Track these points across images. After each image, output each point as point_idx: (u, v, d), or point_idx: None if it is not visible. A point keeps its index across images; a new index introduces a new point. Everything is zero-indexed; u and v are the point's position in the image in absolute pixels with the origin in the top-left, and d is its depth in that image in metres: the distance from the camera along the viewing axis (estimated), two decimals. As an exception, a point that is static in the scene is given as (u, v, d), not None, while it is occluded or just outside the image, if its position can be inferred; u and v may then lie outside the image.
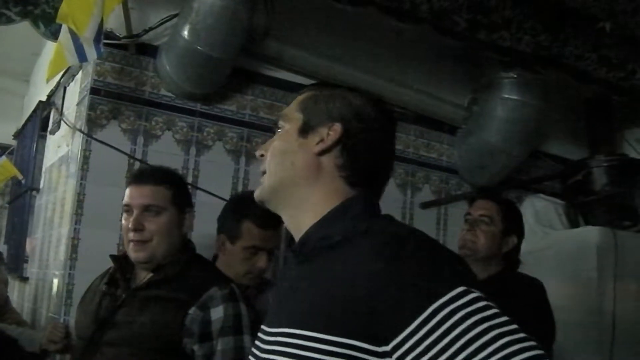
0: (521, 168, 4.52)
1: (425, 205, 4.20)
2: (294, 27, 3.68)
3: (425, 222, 4.11)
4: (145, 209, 2.35)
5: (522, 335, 1.05)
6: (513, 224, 2.98)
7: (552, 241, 4.18)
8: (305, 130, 1.41)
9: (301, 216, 1.38)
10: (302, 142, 1.40)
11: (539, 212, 4.38)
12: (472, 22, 3.46)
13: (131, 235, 2.33)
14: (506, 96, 4.08)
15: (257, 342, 1.35)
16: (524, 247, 4.25)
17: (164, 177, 2.47)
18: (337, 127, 1.38)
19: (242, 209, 2.70)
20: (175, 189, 2.45)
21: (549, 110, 4.23)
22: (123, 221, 2.41)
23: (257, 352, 1.31)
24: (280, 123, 1.48)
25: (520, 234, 3.02)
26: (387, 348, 1.08)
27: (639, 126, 4.94)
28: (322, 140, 1.38)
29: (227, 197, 3.51)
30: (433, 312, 1.05)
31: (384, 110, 1.47)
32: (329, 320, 1.15)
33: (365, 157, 1.40)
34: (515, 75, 4.06)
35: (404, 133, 4.20)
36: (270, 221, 2.58)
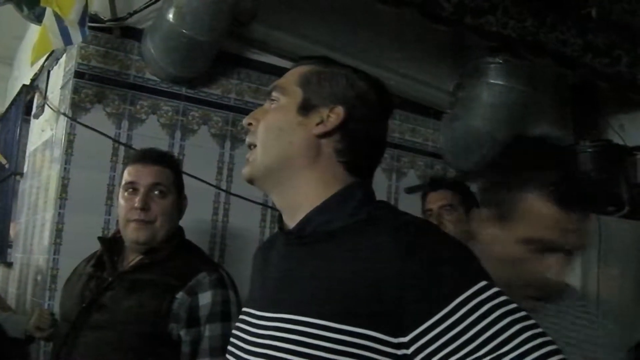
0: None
1: (411, 190, 4.19)
2: (281, 10, 3.66)
3: (410, 207, 4.09)
4: (152, 188, 2.34)
5: (541, 329, 1.06)
6: (471, 202, 3.05)
7: (536, 226, 4.19)
8: (305, 108, 1.35)
9: (296, 199, 1.34)
10: (302, 120, 1.34)
11: (523, 197, 4.39)
12: (458, 6, 3.46)
13: (136, 214, 2.31)
14: (492, 81, 4.07)
15: (243, 326, 1.32)
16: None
17: (170, 161, 2.48)
18: (340, 110, 1.33)
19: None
20: (177, 174, 2.46)
21: (534, 95, 4.23)
22: (122, 201, 2.38)
23: (246, 336, 1.28)
24: (275, 95, 1.40)
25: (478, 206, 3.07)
26: (405, 339, 1.08)
27: (623, 112, 4.95)
28: (322, 122, 1.33)
29: (213, 182, 3.51)
30: (458, 305, 1.06)
31: (385, 95, 1.42)
32: (341, 309, 1.13)
33: (364, 143, 1.36)
34: (501, 61, 4.05)
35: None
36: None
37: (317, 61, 1.43)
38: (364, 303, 1.11)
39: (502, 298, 1.08)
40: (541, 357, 1.02)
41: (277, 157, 1.33)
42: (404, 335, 1.08)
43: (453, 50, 4.32)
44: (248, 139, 1.40)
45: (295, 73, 1.41)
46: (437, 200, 3.02)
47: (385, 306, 1.09)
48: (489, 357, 1.02)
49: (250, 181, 1.39)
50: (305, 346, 1.12)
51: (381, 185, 4.12)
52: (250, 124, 1.40)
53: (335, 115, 1.33)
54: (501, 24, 3.56)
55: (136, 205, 2.30)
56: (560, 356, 1.04)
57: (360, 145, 1.35)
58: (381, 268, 1.12)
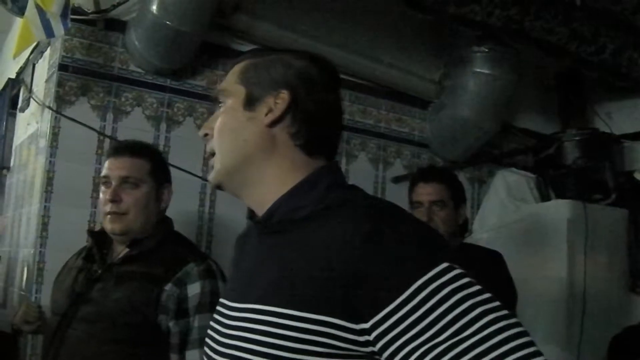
0: (493, 142, 4.54)
1: (397, 180, 4.20)
2: (264, 1, 3.66)
3: (396, 197, 4.09)
4: (123, 180, 2.34)
5: (505, 312, 1.03)
6: (460, 195, 2.98)
7: (523, 215, 4.21)
8: (250, 102, 1.33)
9: (262, 192, 1.32)
10: (250, 115, 1.32)
11: (510, 185, 4.41)
12: (442, -5, 3.46)
13: (108, 207, 2.32)
14: (478, 70, 4.08)
15: (217, 317, 1.32)
16: (496, 221, 4.30)
17: (143, 150, 2.47)
18: (284, 94, 1.31)
19: None
20: (154, 163, 2.45)
21: (520, 84, 4.25)
22: (101, 194, 2.40)
23: (219, 327, 1.27)
24: (221, 99, 1.39)
25: (465, 198, 3.04)
26: (366, 325, 1.06)
27: (609, 100, 4.97)
28: (270, 111, 1.31)
29: (199, 173, 3.50)
30: (417, 289, 1.03)
31: (327, 69, 1.39)
32: (302, 297, 1.11)
33: (316, 121, 1.33)
34: (486, 50, 4.06)
35: (375, 107, 4.21)
36: None
37: (252, 54, 1.43)
38: (325, 290, 1.10)
39: (463, 280, 1.05)
40: (504, 341, 0.99)
41: (235, 159, 1.33)
42: (365, 322, 1.06)
43: (439, 40, 4.33)
44: (207, 148, 1.40)
45: (234, 72, 1.40)
46: (427, 193, 2.89)
47: (344, 293, 1.08)
48: (450, 342, 0.99)
49: (218, 187, 1.39)
50: (270, 336, 1.11)
51: (368, 175, 4.13)
52: (206, 134, 1.40)
53: (281, 100, 1.31)
54: (485, 12, 3.55)
55: (107, 197, 2.32)
56: (527, 338, 1.01)
57: (312, 124, 1.33)
58: (340, 254, 1.10)
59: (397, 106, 4.32)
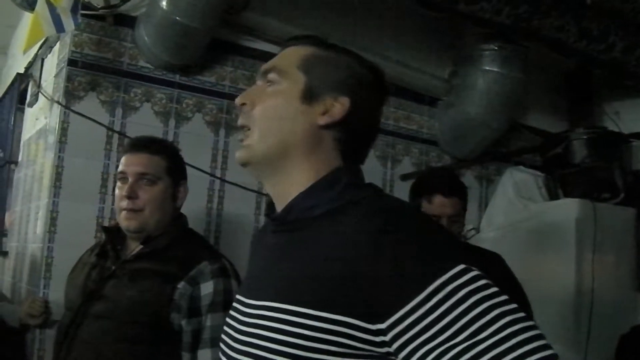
0: (501, 140, 4.53)
1: (406, 177, 4.19)
2: (273, -2, 3.66)
3: (405, 194, 4.08)
4: (140, 177, 2.33)
5: (522, 314, 1.02)
6: (466, 204, 2.93)
7: (531, 213, 4.20)
8: (309, 96, 1.29)
9: (288, 184, 1.30)
10: (305, 109, 1.29)
11: (518, 184, 4.40)
12: (452, -7, 3.45)
13: (124, 203, 2.31)
14: (487, 68, 4.08)
15: (233, 313, 1.31)
16: (503, 219, 4.28)
17: (161, 148, 2.46)
18: (345, 101, 1.28)
19: None
20: (171, 160, 2.43)
21: (529, 82, 4.24)
22: (117, 190, 2.39)
23: (235, 324, 1.26)
24: (273, 76, 1.34)
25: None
26: (382, 326, 1.05)
27: (619, 99, 4.95)
28: (326, 112, 1.28)
29: (207, 169, 3.50)
30: (434, 290, 1.02)
31: (383, 81, 1.38)
32: (318, 296, 1.11)
33: (363, 131, 1.34)
34: (495, 48, 4.06)
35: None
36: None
37: (314, 42, 1.38)
38: (340, 290, 1.09)
39: (480, 282, 1.04)
40: (521, 343, 0.98)
41: (276, 146, 1.29)
42: (382, 322, 1.05)
43: (448, 37, 4.32)
44: (241, 121, 1.35)
45: (295, 55, 1.36)
46: (446, 206, 2.80)
47: (360, 292, 1.07)
48: (466, 344, 0.99)
49: (245, 165, 1.33)
50: (286, 334, 1.11)
51: (376, 172, 4.12)
52: (243, 104, 1.35)
53: (339, 105, 1.28)
54: (495, 10, 3.54)
55: (124, 193, 2.31)
56: (543, 341, 1.00)
57: (358, 134, 1.33)
58: (356, 254, 1.10)
59: (406, 104, 4.31)
